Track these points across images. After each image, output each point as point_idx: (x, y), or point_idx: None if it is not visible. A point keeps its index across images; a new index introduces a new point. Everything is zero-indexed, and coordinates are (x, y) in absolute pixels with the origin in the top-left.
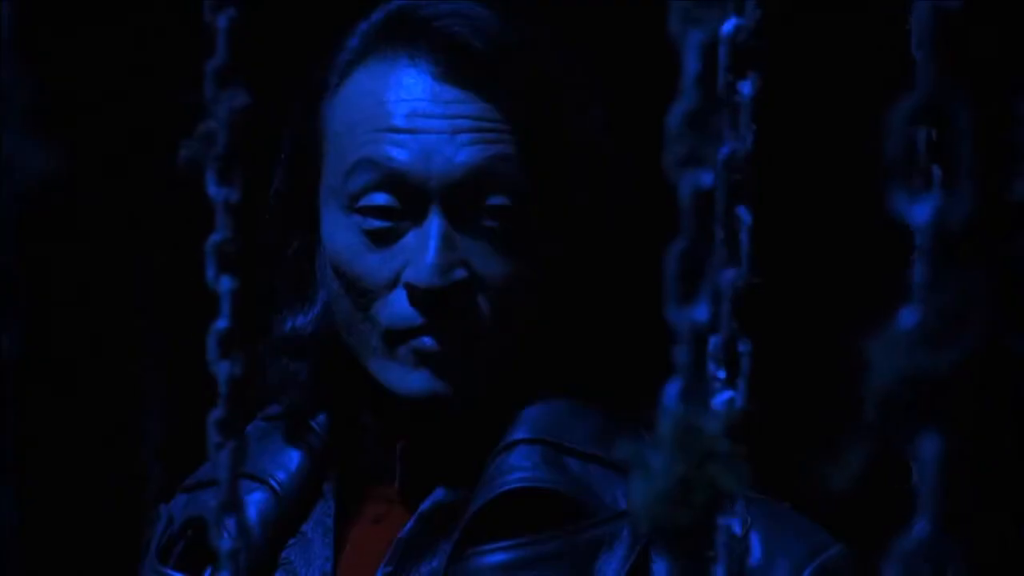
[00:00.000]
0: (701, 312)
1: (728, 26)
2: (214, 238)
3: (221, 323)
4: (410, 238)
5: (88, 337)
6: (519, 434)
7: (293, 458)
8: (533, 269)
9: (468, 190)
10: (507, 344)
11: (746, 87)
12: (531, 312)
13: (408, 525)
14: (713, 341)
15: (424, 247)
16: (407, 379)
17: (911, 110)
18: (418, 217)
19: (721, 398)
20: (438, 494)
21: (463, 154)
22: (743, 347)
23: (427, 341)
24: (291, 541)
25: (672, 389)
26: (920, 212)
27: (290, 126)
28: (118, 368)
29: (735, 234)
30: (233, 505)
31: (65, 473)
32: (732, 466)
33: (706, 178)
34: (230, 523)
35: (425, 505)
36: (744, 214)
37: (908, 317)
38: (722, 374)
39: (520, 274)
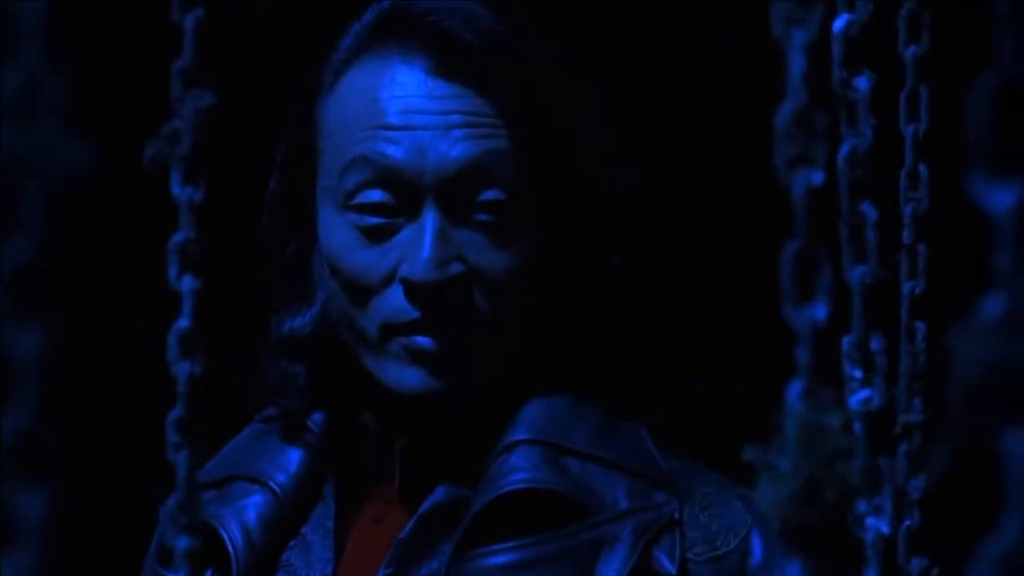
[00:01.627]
0: (819, 311)
1: (840, 22)
2: (177, 238)
3: (183, 323)
4: (405, 234)
5: (86, 338)
6: (519, 434)
7: (292, 460)
8: (528, 263)
9: (462, 185)
10: (504, 339)
11: (862, 82)
12: (527, 307)
13: (409, 526)
14: (847, 341)
15: (419, 242)
16: (403, 376)
17: (992, 90)
18: (413, 213)
19: (858, 397)
20: (438, 494)
21: (457, 149)
22: (876, 344)
23: (422, 340)
24: (291, 543)
25: (795, 389)
26: (1002, 197)
27: (285, 127)
28: (118, 369)
29: (860, 231)
30: (190, 506)
31: (82, 475)
32: (860, 463)
33: (817, 177)
34: (231, 525)
35: (426, 506)
36: (869, 211)
37: (992, 306)
38: (858, 373)
39: (515, 268)
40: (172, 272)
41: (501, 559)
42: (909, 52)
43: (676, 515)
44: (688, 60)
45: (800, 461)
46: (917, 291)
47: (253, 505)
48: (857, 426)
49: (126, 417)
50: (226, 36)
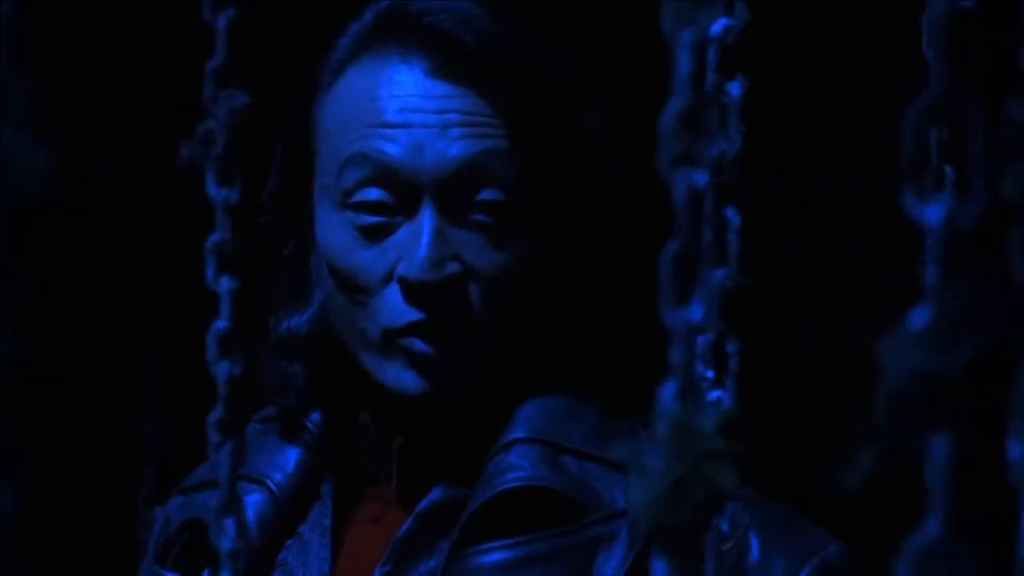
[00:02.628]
0: (695, 312)
1: (717, 26)
2: (214, 238)
3: (221, 323)
4: (403, 233)
5: (86, 338)
6: (516, 433)
7: (290, 459)
8: (526, 263)
9: (460, 184)
10: (501, 339)
11: (735, 88)
12: (525, 307)
13: (406, 525)
14: (702, 341)
15: (417, 241)
16: (402, 378)
17: (924, 111)
18: (410, 212)
19: (709, 398)
20: (435, 494)
21: (455, 148)
22: (731, 347)
23: (420, 343)
24: (288, 542)
25: (668, 389)
26: (932, 213)
27: (283, 127)
28: (115, 369)
29: (723, 235)
30: (232, 506)
31: (62, 474)
32: (728, 465)
33: (700, 178)
34: (230, 524)
35: (423, 505)
36: (732, 215)
37: (919, 317)
38: (710, 374)
39: (513, 268)
40: (210, 273)
41: (498, 557)
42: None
43: None
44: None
45: (670, 461)
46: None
47: (250, 504)
48: (713, 425)
49: (121, 419)
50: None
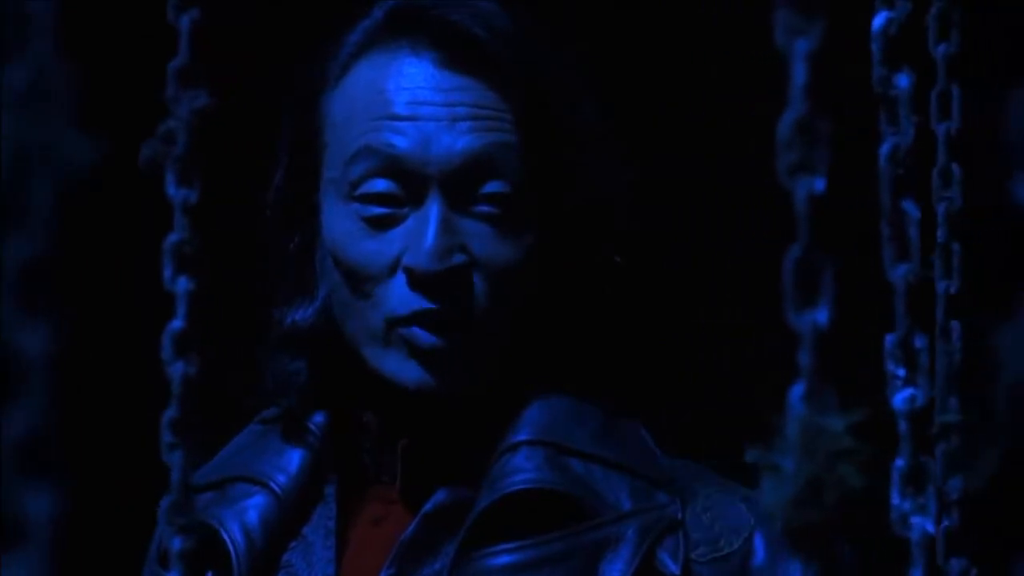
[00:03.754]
0: (822, 315)
1: (879, 19)
2: (172, 238)
3: (176, 323)
4: (409, 224)
5: (106, 334)
6: (522, 435)
7: (293, 460)
8: (530, 257)
9: (467, 176)
10: (503, 333)
11: (902, 80)
12: (527, 300)
13: (411, 526)
14: (890, 339)
15: (423, 232)
16: (403, 370)
17: None
18: (417, 203)
19: (902, 396)
20: (440, 495)
21: (462, 141)
22: (920, 343)
23: (422, 334)
24: (292, 544)
25: (796, 392)
26: None
27: (290, 121)
28: (116, 369)
29: (902, 229)
30: (184, 507)
31: (94, 474)
32: (860, 465)
33: (819, 184)
34: (232, 526)
35: (428, 506)
36: (911, 208)
37: None
38: (902, 372)
39: (517, 261)
40: (167, 273)
41: (504, 560)
42: (939, 50)
43: (679, 516)
44: (691, 61)
45: (802, 463)
46: (952, 290)
47: (254, 506)
48: (902, 425)
49: (126, 417)
50: (227, 34)
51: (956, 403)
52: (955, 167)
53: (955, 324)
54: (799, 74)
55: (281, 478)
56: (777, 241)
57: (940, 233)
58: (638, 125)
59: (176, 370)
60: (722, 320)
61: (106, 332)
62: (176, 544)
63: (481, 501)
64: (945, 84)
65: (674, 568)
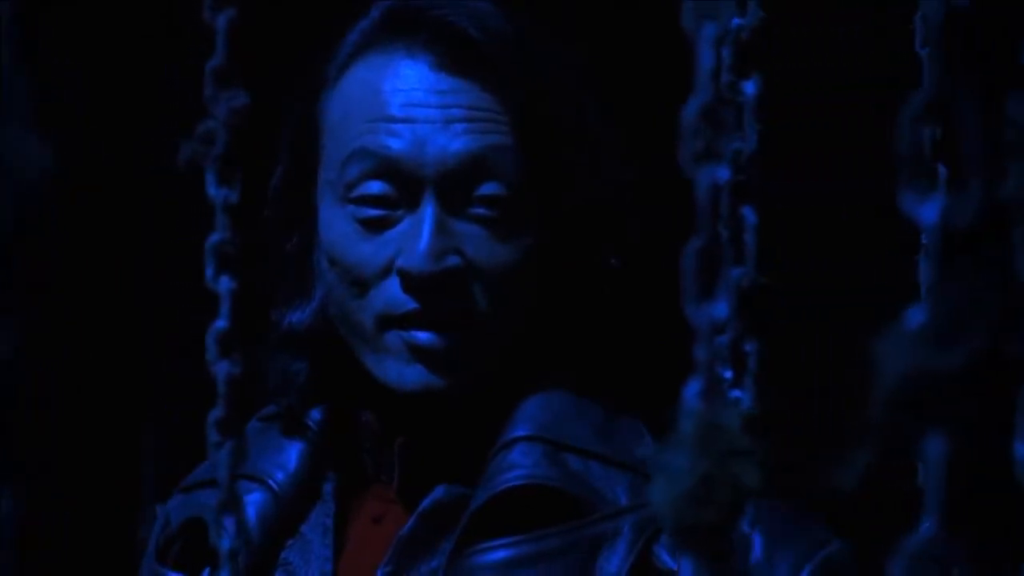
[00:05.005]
0: (720, 309)
1: (731, 25)
2: (213, 238)
3: (220, 323)
4: (404, 226)
5: (86, 336)
6: (519, 431)
7: (291, 458)
8: (527, 259)
9: (462, 178)
10: (500, 334)
11: (750, 86)
12: (525, 302)
13: (409, 524)
14: (721, 341)
15: (417, 234)
16: (402, 373)
17: (918, 108)
18: (412, 205)
19: (728, 397)
20: (438, 492)
21: (457, 143)
22: (750, 347)
23: (419, 335)
24: (290, 542)
25: (692, 388)
26: (927, 211)
27: (288, 122)
28: (114, 368)
29: (740, 234)
30: (232, 505)
31: (62, 474)
32: (753, 464)
33: (722, 173)
34: (230, 523)
35: (425, 504)
36: (749, 214)
37: (915, 316)
38: (729, 374)
39: (513, 263)
40: (209, 273)
41: (501, 555)
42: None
43: None
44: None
45: (695, 460)
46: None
47: (252, 503)
48: (738, 423)
49: (121, 418)
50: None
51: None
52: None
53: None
54: (705, 60)
55: (280, 476)
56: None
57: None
58: (638, 125)
59: (221, 369)
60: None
61: (73, 333)
62: (226, 544)
63: (477, 498)
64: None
65: (671, 563)
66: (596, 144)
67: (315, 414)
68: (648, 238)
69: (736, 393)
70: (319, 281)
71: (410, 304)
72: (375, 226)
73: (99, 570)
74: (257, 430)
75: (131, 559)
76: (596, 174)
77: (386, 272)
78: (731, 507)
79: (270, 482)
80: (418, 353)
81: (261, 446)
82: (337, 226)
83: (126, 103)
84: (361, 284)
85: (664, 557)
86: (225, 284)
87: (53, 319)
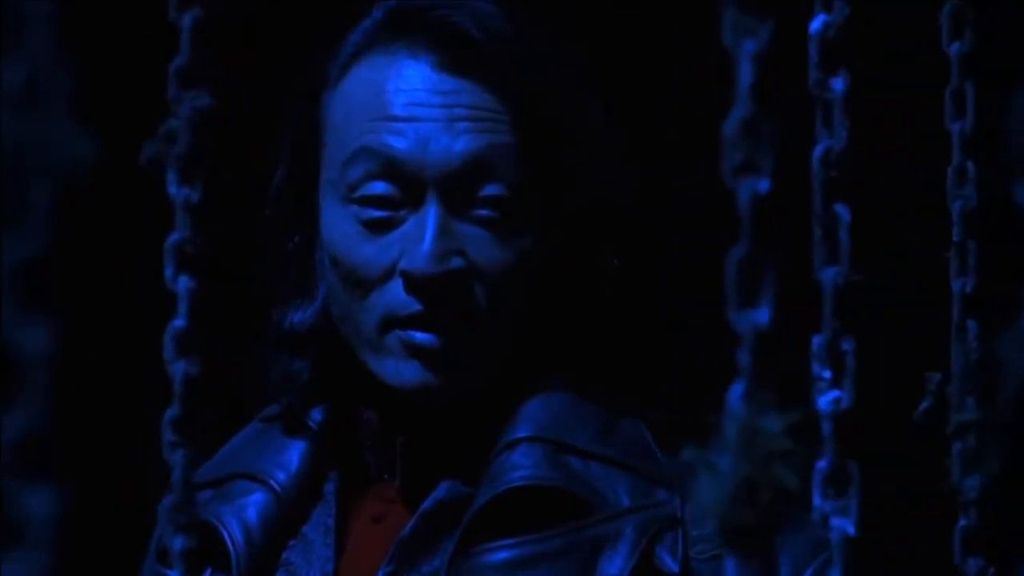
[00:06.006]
0: (762, 315)
1: (817, 23)
2: (173, 238)
3: (178, 322)
4: (406, 227)
5: (102, 333)
6: (521, 432)
7: (292, 458)
8: (529, 260)
9: (465, 179)
10: (501, 335)
11: (838, 83)
12: (526, 303)
13: (410, 524)
14: (816, 341)
15: (420, 235)
16: (400, 371)
17: None
18: (415, 206)
19: (827, 398)
20: (439, 492)
21: (460, 143)
22: (847, 345)
23: (419, 335)
24: (291, 542)
25: (736, 391)
26: None
27: (289, 122)
28: (115, 369)
29: (833, 232)
30: (185, 506)
31: (92, 475)
32: (795, 466)
33: (763, 185)
34: (232, 524)
35: (427, 504)
36: (843, 211)
37: None
38: (827, 374)
39: (516, 264)
40: (168, 272)
41: (503, 556)
42: (953, 49)
43: (678, 513)
44: (690, 62)
45: (738, 462)
46: (968, 289)
47: (254, 504)
48: (825, 426)
49: (126, 415)
50: (227, 34)
51: (972, 402)
52: (970, 165)
53: (971, 323)
54: (745, 74)
55: (281, 476)
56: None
57: (956, 232)
58: (638, 125)
59: (177, 369)
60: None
61: (106, 331)
62: (177, 543)
63: (479, 498)
64: (959, 83)
65: (673, 565)
66: (596, 144)
67: (316, 414)
68: (650, 238)
69: (835, 393)
70: (321, 281)
71: (413, 306)
72: (378, 227)
73: (100, 571)
74: (259, 430)
75: (134, 560)
76: (596, 174)
77: (389, 274)
78: (773, 508)
79: (271, 482)
80: (415, 352)
81: (262, 446)
82: (339, 226)
83: (98, 102)
84: (364, 285)
85: (666, 558)
86: (183, 283)
87: (85, 316)
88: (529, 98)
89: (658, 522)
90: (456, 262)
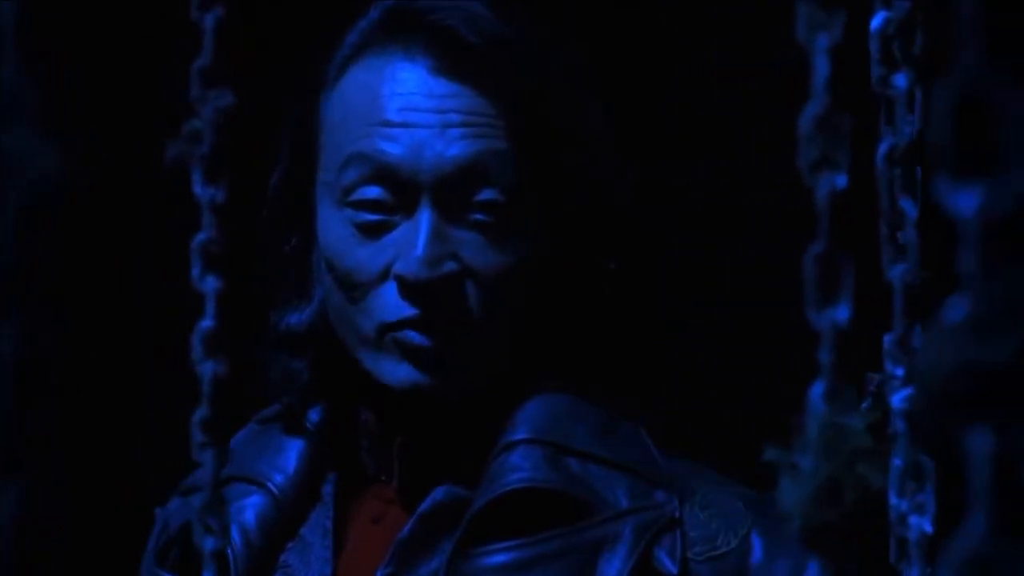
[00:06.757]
0: (842, 313)
1: (877, 20)
2: (200, 238)
3: (206, 323)
4: (401, 231)
5: (89, 336)
6: (519, 434)
7: (290, 460)
8: (525, 264)
9: (459, 184)
10: (497, 338)
11: (900, 80)
12: (522, 306)
13: (408, 525)
14: (887, 339)
15: (414, 240)
16: (396, 372)
17: (953, 95)
18: (409, 210)
19: (900, 395)
20: (438, 494)
21: (454, 148)
22: (918, 342)
23: (414, 336)
24: (289, 544)
25: (817, 390)
26: (967, 201)
27: (288, 122)
28: (113, 369)
29: (899, 229)
30: (216, 507)
31: (66, 475)
32: (879, 464)
33: (841, 180)
34: (230, 526)
35: (425, 505)
36: (909, 208)
37: (957, 308)
38: (900, 371)
39: (511, 268)
40: (195, 272)
41: (501, 558)
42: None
43: (677, 514)
44: (691, 62)
45: (821, 462)
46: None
47: (251, 506)
48: (899, 424)
49: (125, 415)
50: (229, 34)
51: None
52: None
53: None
54: (821, 69)
55: (279, 478)
56: (792, 239)
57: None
58: (638, 125)
59: (206, 370)
60: (729, 319)
61: (109, 332)
62: (208, 544)
63: (478, 500)
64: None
65: (671, 567)
66: (596, 145)
67: (314, 415)
68: (652, 238)
69: (908, 390)
70: (318, 282)
71: (407, 310)
72: (372, 231)
73: (100, 572)
74: (255, 432)
75: (132, 562)
76: (596, 175)
77: (383, 277)
78: (858, 508)
79: (269, 485)
80: (411, 352)
81: (260, 448)
82: (334, 229)
83: (123, 103)
84: (359, 288)
85: (664, 560)
86: (211, 284)
87: (58, 317)
88: (526, 101)
89: (656, 523)
90: (450, 266)
